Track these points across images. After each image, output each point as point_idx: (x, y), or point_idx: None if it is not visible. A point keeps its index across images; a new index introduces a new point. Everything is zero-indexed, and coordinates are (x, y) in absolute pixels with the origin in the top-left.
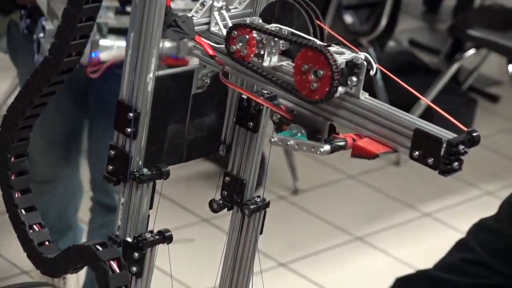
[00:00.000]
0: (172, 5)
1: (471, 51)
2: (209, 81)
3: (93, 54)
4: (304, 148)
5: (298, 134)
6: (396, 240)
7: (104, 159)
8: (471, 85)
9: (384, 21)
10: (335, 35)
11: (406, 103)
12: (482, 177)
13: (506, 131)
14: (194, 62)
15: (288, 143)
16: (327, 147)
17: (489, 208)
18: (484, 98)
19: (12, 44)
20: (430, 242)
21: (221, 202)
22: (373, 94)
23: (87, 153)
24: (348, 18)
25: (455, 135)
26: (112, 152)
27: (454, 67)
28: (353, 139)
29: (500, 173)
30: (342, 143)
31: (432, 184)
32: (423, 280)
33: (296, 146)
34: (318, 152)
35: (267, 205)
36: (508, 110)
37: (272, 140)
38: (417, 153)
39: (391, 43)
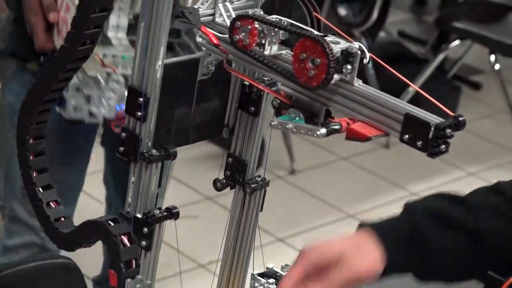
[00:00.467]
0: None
1: (456, 42)
2: (213, 69)
3: (118, 107)
4: (302, 131)
5: (296, 118)
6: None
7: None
8: (455, 74)
9: (375, 14)
10: (331, 26)
11: (395, 89)
12: (465, 160)
13: (488, 117)
14: None
15: (287, 126)
16: (323, 130)
17: (471, 188)
18: (468, 86)
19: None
20: None
21: (224, 181)
22: (365, 81)
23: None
24: (342, 11)
25: (442, 120)
26: (124, 134)
27: (440, 56)
28: (347, 123)
29: (482, 156)
30: (337, 127)
31: (419, 165)
32: None
33: (294, 129)
34: (315, 135)
35: (267, 184)
36: (490, 97)
37: (272, 123)
38: (407, 136)
39: (382, 34)
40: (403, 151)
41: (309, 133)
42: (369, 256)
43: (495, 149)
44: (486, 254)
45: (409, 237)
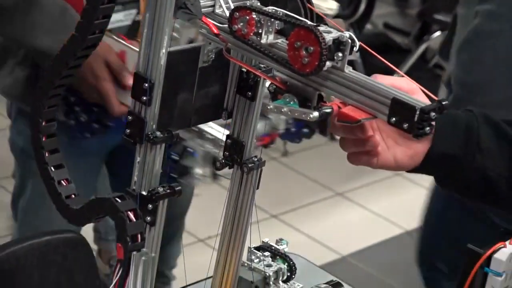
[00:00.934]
0: None
1: (437, 33)
2: (213, 56)
3: None
4: (296, 114)
5: (291, 102)
6: (372, 195)
7: None
8: (436, 63)
9: (362, 7)
10: (324, 16)
11: None
12: None
13: None
14: None
15: (282, 110)
16: (315, 114)
17: None
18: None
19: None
20: (402, 198)
21: (223, 161)
22: (353, 69)
23: None
24: None
25: (426, 103)
26: (130, 118)
27: (422, 47)
28: (339, 107)
29: None
30: (328, 110)
31: None
32: None
33: (289, 113)
34: (308, 118)
35: (263, 164)
36: None
37: (269, 107)
38: (394, 119)
39: (368, 26)
40: None
41: (303, 116)
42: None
43: None
44: None
45: (464, 128)
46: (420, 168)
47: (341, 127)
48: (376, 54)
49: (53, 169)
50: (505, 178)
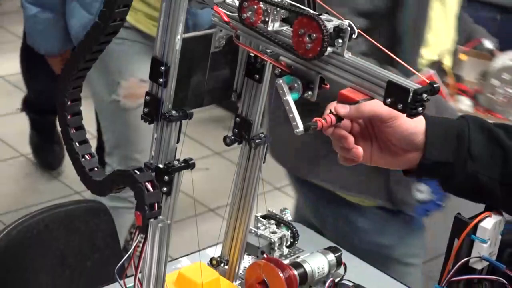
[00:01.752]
0: None
1: None
2: (224, 42)
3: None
4: (290, 115)
5: (295, 85)
6: None
7: None
8: None
9: None
10: (325, 5)
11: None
12: None
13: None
14: None
15: (285, 98)
16: (301, 129)
17: None
18: None
19: None
20: None
21: (232, 138)
22: None
23: None
24: None
25: (419, 86)
26: (148, 98)
27: None
28: (324, 119)
29: None
30: (314, 126)
31: None
32: None
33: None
34: (295, 132)
35: (269, 140)
36: None
37: (277, 83)
38: (389, 100)
39: None
40: None
41: (293, 125)
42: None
43: None
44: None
45: (456, 135)
46: (416, 174)
47: (332, 134)
48: (373, 41)
49: (77, 145)
50: (499, 183)
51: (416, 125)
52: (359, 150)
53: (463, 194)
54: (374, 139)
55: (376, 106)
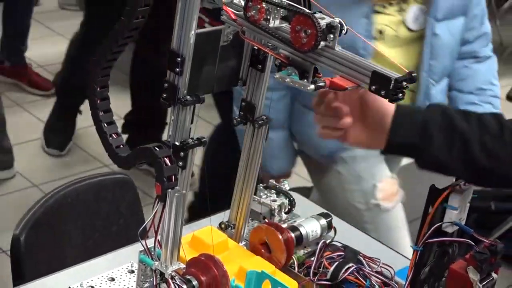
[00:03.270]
0: None
1: None
2: (231, 37)
3: None
4: (296, 85)
5: (293, 74)
6: None
7: None
8: None
9: None
10: (318, 5)
11: None
12: None
13: None
14: None
15: (286, 80)
16: (312, 86)
17: None
18: None
19: None
20: None
21: (239, 119)
22: None
23: None
24: None
25: (399, 75)
26: (166, 85)
27: None
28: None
29: None
30: (322, 84)
31: None
32: None
33: (291, 83)
34: (306, 90)
35: (270, 121)
36: None
37: (275, 76)
38: (373, 87)
39: None
40: None
41: (302, 87)
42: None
43: None
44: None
45: (420, 119)
46: (386, 153)
47: (324, 105)
48: (359, 35)
49: (106, 125)
50: (459, 162)
51: (387, 106)
52: (349, 119)
53: (431, 170)
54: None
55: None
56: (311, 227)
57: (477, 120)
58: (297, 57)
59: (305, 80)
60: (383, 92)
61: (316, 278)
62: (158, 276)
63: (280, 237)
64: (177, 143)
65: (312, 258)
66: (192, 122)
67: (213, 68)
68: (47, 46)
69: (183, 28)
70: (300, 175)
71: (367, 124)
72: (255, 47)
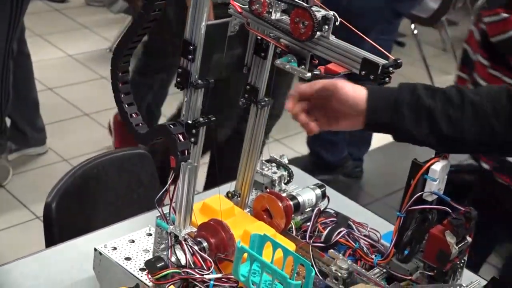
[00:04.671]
0: None
1: None
2: (238, 28)
3: None
4: (295, 72)
5: (292, 61)
6: None
7: None
8: None
9: None
10: (315, 0)
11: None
12: None
13: (409, 64)
14: None
15: (286, 66)
16: (309, 74)
17: None
18: (394, 43)
19: None
20: None
21: (244, 101)
22: None
23: None
24: None
25: (386, 61)
26: (179, 70)
27: None
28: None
29: None
30: (318, 72)
31: None
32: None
33: (290, 70)
34: (304, 77)
35: (272, 102)
36: (410, 51)
37: (276, 63)
38: (363, 72)
39: None
40: None
41: (300, 75)
42: (357, 88)
43: None
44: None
45: (393, 99)
46: (365, 131)
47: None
48: (350, 25)
49: (126, 106)
50: (429, 135)
51: (358, 94)
52: (311, 125)
53: (407, 142)
54: (327, 111)
55: (323, 83)
56: (307, 196)
57: (442, 95)
58: (296, 46)
59: (303, 67)
60: (372, 77)
61: (311, 241)
62: (173, 239)
63: (280, 204)
64: (189, 122)
65: (308, 223)
66: (203, 106)
67: (221, 56)
68: (77, 38)
69: (195, 20)
70: (295, 150)
71: (343, 111)
72: (259, 37)
